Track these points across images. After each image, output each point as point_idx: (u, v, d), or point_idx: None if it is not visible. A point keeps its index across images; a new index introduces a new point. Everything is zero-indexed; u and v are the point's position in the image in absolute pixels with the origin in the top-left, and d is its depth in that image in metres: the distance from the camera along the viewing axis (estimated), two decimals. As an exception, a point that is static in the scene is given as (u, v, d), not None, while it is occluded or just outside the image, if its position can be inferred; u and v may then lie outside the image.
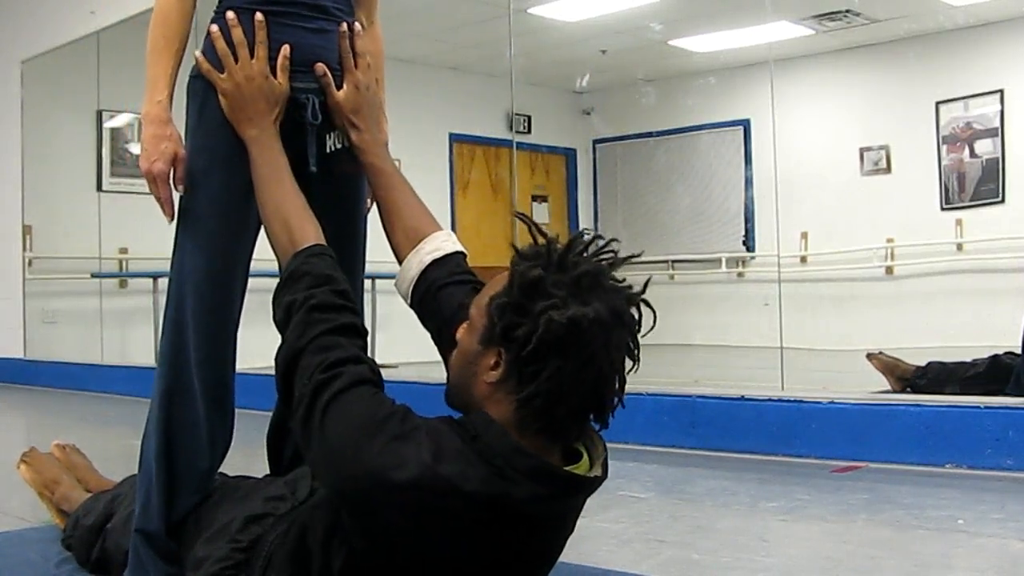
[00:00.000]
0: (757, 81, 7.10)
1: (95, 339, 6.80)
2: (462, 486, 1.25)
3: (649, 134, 9.01)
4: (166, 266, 1.78)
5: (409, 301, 1.64)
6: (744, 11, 6.98)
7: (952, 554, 2.16)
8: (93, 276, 6.76)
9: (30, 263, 7.13)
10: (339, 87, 1.74)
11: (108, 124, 6.90)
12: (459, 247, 1.66)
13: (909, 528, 2.34)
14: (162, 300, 1.79)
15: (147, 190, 1.70)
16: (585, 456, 1.38)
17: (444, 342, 1.51)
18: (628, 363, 1.35)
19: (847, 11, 7.08)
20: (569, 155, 9.58)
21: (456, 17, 7.34)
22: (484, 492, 1.26)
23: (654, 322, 1.36)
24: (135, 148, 1.64)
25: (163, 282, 1.80)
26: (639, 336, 1.35)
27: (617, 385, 1.33)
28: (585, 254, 1.34)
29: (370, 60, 1.77)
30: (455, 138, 8.67)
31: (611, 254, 1.35)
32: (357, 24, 1.79)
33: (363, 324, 1.47)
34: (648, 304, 1.36)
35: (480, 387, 1.35)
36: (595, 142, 9.52)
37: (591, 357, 1.28)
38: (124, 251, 6.90)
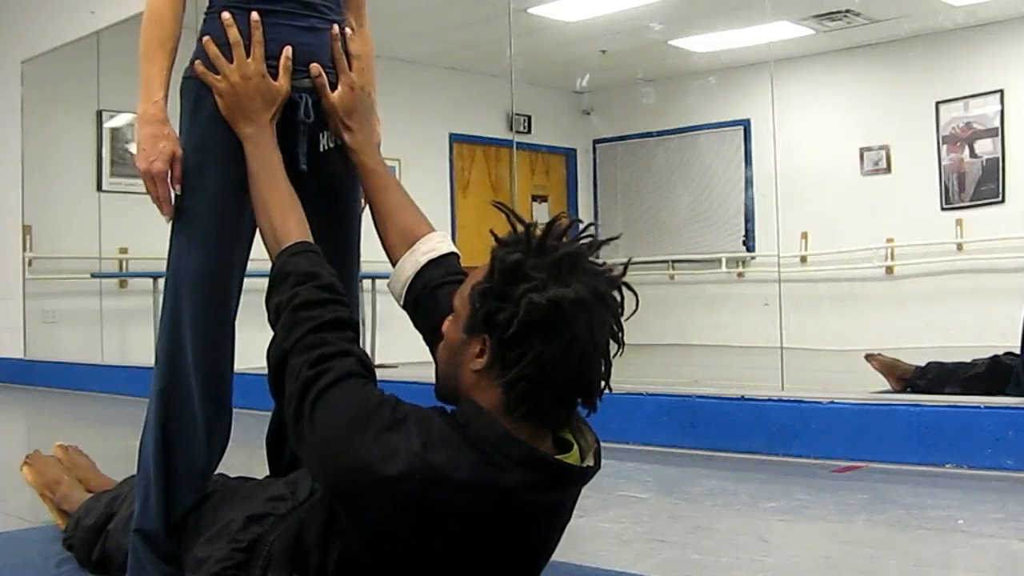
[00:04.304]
0: (757, 81, 7.11)
1: (95, 339, 6.79)
2: (452, 474, 1.25)
3: (649, 134, 9.01)
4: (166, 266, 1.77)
5: (402, 301, 1.64)
6: (744, 11, 6.98)
7: (952, 554, 2.16)
8: (93, 276, 6.76)
9: (30, 263, 7.13)
10: (332, 87, 1.74)
11: (108, 124, 6.90)
12: (453, 248, 1.66)
13: (909, 528, 2.34)
14: (161, 300, 1.79)
15: (147, 190, 1.70)
16: (575, 446, 1.39)
17: (438, 341, 1.50)
18: (613, 347, 1.35)
19: (847, 11, 7.07)
20: (569, 155, 9.58)
21: (456, 17, 7.34)
22: (474, 479, 1.26)
23: (636, 305, 1.35)
24: (135, 148, 1.64)
25: (163, 282, 1.80)
26: (622, 318, 1.35)
27: (603, 368, 1.34)
28: (564, 239, 1.34)
29: (363, 63, 1.77)
30: (455, 138, 8.67)
31: (589, 238, 1.36)
32: (348, 28, 1.80)
33: (351, 315, 1.47)
34: (629, 286, 1.36)
35: (467, 376, 1.36)
36: (595, 142, 9.52)
37: (574, 338, 1.29)
38: (124, 251, 6.89)
